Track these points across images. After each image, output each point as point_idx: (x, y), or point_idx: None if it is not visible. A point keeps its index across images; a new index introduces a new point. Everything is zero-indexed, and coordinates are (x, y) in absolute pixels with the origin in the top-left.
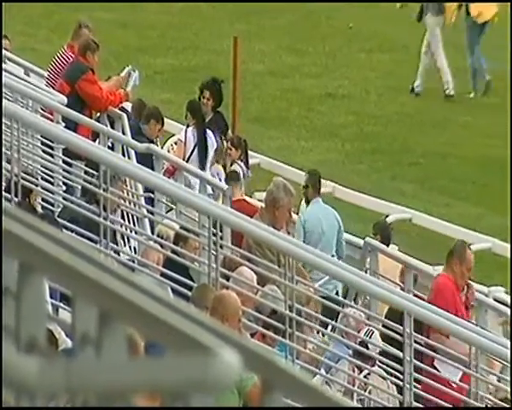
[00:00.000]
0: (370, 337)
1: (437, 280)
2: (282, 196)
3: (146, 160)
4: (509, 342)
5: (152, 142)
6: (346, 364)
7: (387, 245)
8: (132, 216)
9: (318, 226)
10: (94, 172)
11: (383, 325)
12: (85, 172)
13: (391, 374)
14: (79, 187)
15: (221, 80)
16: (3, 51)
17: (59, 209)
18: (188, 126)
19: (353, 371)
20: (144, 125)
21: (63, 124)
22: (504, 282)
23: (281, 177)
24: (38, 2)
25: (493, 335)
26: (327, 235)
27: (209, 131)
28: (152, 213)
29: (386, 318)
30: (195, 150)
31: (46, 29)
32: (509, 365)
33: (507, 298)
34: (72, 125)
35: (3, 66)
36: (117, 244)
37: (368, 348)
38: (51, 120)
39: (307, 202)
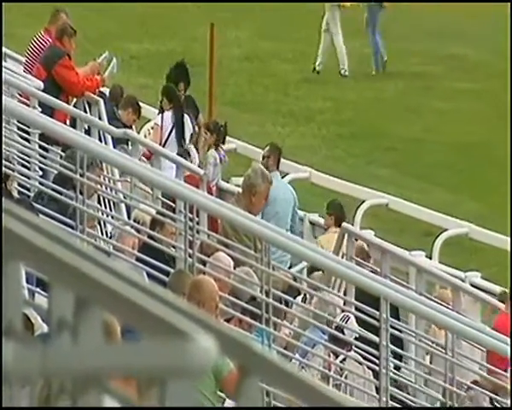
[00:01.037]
0: (346, 323)
1: (496, 321)
2: (260, 183)
3: (120, 144)
4: (485, 327)
5: (127, 127)
6: (322, 349)
7: (340, 226)
8: (109, 201)
9: (275, 198)
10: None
11: (359, 310)
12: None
13: (367, 359)
14: (56, 172)
15: (182, 59)
16: None
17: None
18: (163, 111)
19: (329, 356)
20: (121, 110)
21: (39, 109)
22: (480, 267)
23: (258, 162)
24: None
25: (470, 320)
26: (283, 208)
27: (186, 116)
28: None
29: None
30: (172, 134)
31: (22, 14)
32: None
33: (483, 283)
34: (48, 111)
35: None
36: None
37: (344, 334)
38: (28, 106)
39: None
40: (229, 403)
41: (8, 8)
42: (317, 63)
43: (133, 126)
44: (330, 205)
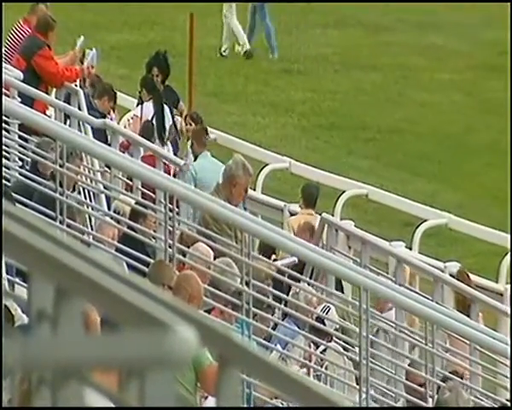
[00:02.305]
0: (327, 314)
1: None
2: (240, 175)
3: (99, 134)
4: (463, 317)
5: (104, 116)
6: (302, 340)
7: (313, 206)
8: (89, 192)
9: (211, 180)
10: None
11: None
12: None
13: (347, 350)
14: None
15: (164, 51)
16: None
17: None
18: (142, 102)
19: (309, 346)
20: (97, 100)
21: (19, 99)
22: (460, 257)
23: (237, 153)
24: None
25: (449, 310)
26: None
27: (165, 106)
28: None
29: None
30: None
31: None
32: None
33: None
34: (28, 101)
35: None
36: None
37: (324, 325)
38: (8, 96)
39: (195, 157)
40: (211, 399)
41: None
42: (223, 49)
43: (111, 113)
44: (302, 187)
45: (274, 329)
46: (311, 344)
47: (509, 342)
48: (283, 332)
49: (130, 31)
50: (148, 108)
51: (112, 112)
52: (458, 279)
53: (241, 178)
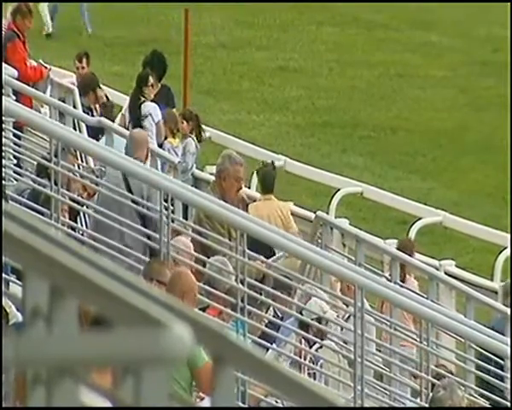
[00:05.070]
0: (305, 304)
1: None
2: (227, 166)
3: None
4: (458, 315)
5: (91, 110)
6: (294, 336)
7: (266, 193)
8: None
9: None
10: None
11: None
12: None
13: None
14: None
15: (155, 50)
16: None
17: (9, 183)
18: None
19: (300, 342)
20: (84, 98)
21: (14, 97)
22: (455, 255)
23: (231, 150)
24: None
25: (444, 308)
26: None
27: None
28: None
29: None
30: None
31: None
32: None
33: (458, 271)
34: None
35: None
36: (75, 221)
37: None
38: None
39: None
40: (207, 400)
41: None
42: (47, 28)
43: (98, 107)
44: (257, 172)
45: (267, 327)
46: (302, 340)
47: (508, 342)
48: (280, 330)
49: (124, 27)
50: (145, 105)
51: (97, 103)
52: (401, 250)
53: (229, 169)
